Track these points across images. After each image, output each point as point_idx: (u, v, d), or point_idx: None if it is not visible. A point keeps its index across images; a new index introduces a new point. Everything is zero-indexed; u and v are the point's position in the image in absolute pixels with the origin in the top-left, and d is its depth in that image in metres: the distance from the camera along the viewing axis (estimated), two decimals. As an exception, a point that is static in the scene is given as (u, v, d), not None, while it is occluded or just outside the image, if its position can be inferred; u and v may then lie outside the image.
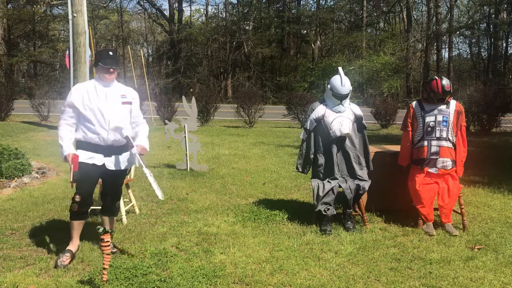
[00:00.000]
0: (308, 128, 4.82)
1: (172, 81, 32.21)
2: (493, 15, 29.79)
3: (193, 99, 8.07)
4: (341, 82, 4.63)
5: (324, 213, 4.60)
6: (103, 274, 3.25)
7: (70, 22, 11.12)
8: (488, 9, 30.27)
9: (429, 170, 4.71)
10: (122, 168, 3.92)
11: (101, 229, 3.27)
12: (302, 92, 22.40)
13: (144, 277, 3.48)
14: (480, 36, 33.47)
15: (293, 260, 3.83)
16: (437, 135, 4.70)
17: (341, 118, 4.67)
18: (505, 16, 27.82)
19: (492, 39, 31.15)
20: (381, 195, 5.06)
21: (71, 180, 3.64)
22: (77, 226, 3.81)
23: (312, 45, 33.33)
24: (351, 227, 4.64)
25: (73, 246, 3.80)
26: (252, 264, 3.75)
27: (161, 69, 35.51)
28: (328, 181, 4.69)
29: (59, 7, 30.92)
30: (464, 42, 39.86)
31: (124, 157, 3.91)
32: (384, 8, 35.31)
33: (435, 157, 4.69)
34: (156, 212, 5.22)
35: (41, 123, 14.85)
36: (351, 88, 4.72)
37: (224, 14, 36.44)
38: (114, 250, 3.87)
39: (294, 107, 15.36)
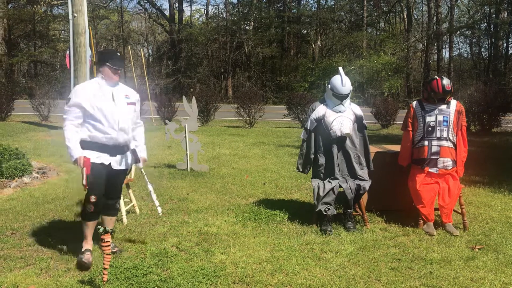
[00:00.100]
0: (308, 128, 4.82)
1: (172, 81, 32.21)
2: (494, 15, 29.78)
3: (194, 99, 8.07)
4: (342, 82, 4.63)
5: (324, 213, 4.60)
6: (104, 274, 3.25)
7: (71, 22, 11.12)
8: (488, 9, 30.27)
9: (430, 170, 4.71)
10: (125, 167, 3.95)
11: (101, 229, 3.27)
12: (302, 92, 22.41)
13: (145, 277, 3.48)
14: (480, 36, 33.46)
15: (293, 260, 3.83)
16: (438, 135, 4.70)
17: (342, 118, 4.66)
18: (505, 16, 27.80)
19: (493, 39, 31.14)
20: (382, 195, 5.06)
21: (84, 183, 3.60)
22: (92, 226, 3.82)
23: (313, 45, 33.33)
24: (351, 227, 4.64)
25: (90, 245, 3.80)
26: (253, 264, 3.75)
27: (162, 69, 35.52)
28: (329, 181, 4.69)
29: (59, 7, 30.97)
30: (464, 42, 39.91)
31: (126, 157, 3.94)
32: (384, 8, 35.30)
33: (435, 157, 4.69)
34: (156, 212, 5.21)
35: (41, 123, 14.85)
36: (351, 88, 4.71)
37: (224, 14, 36.49)
38: (114, 250, 3.88)
39: (295, 107, 15.36)
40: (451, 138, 4.73)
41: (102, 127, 3.70)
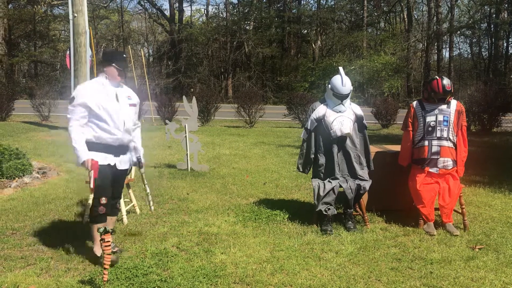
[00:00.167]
0: (308, 128, 4.82)
1: (172, 81, 32.21)
2: (494, 15, 29.78)
3: (194, 99, 8.07)
4: (342, 82, 4.62)
5: (324, 213, 4.60)
6: (104, 274, 3.25)
7: (71, 22, 11.14)
8: (488, 9, 30.27)
9: (430, 170, 4.71)
10: (128, 167, 3.96)
11: (101, 229, 3.28)
12: (302, 92, 22.39)
13: (145, 277, 3.48)
14: (480, 35, 33.45)
15: (293, 260, 3.83)
16: (438, 135, 4.70)
17: (342, 118, 4.66)
18: (505, 16, 27.80)
19: (493, 39, 31.14)
20: (382, 195, 5.06)
21: (92, 186, 3.58)
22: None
23: (313, 45, 33.32)
24: (351, 227, 4.64)
25: (100, 251, 3.77)
26: (253, 264, 3.75)
27: (162, 69, 35.50)
28: (329, 181, 4.69)
29: (59, 7, 30.97)
30: (464, 42, 39.91)
31: (128, 157, 3.95)
32: (384, 8, 35.29)
33: (436, 157, 4.69)
34: (156, 212, 5.22)
35: (41, 123, 14.86)
36: (351, 88, 4.71)
37: (224, 14, 36.48)
38: (115, 250, 3.87)
39: (295, 107, 15.35)
40: (451, 138, 4.73)
41: (107, 127, 3.68)
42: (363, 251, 4.06)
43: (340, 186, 4.68)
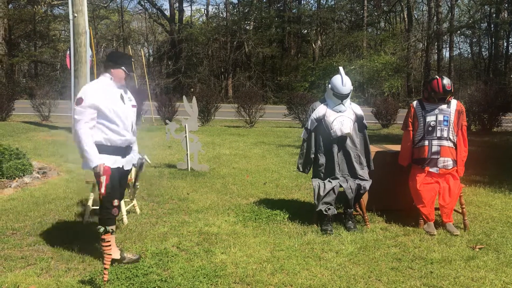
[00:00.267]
0: (309, 127, 4.82)
1: (172, 81, 32.21)
2: (494, 15, 29.78)
3: (194, 99, 8.07)
4: (342, 81, 4.62)
5: (325, 212, 4.60)
6: (104, 274, 3.26)
7: (71, 22, 11.13)
8: (489, 9, 30.27)
9: (430, 169, 4.71)
10: (131, 168, 3.96)
11: (102, 229, 3.28)
12: (303, 92, 22.38)
13: (145, 277, 3.48)
14: (481, 35, 33.46)
15: (294, 260, 3.83)
16: (438, 134, 4.70)
17: (342, 118, 4.66)
18: (506, 16, 27.80)
19: (493, 39, 31.15)
20: (382, 194, 5.06)
21: (103, 191, 3.54)
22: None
23: (313, 44, 33.31)
24: (352, 226, 4.64)
25: (117, 250, 3.76)
26: (253, 264, 3.75)
27: (162, 69, 35.49)
28: (329, 181, 4.69)
29: (59, 7, 30.94)
30: (465, 42, 39.93)
31: (131, 157, 3.95)
32: (384, 8, 35.29)
33: (436, 157, 4.69)
34: (157, 212, 5.22)
35: (42, 123, 14.86)
36: (352, 87, 4.71)
37: (224, 14, 36.47)
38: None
39: (295, 107, 15.35)
40: (451, 137, 4.72)
41: (117, 128, 3.65)
42: (363, 251, 4.06)
43: (340, 186, 4.68)
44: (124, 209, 4.73)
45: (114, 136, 3.65)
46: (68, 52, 11.91)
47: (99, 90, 3.62)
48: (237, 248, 4.08)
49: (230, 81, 32.90)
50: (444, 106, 4.72)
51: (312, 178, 4.89)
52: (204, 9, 51.41)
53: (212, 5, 71.78)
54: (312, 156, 4.82)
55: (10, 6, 31.52)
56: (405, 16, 33.07)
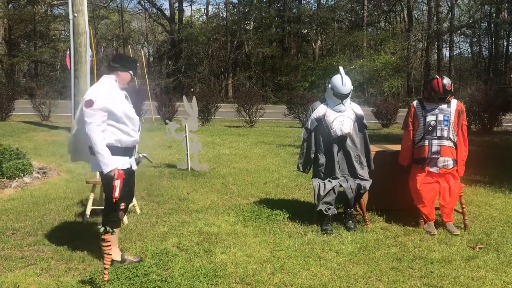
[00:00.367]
0: (309, 127, 4.82)
1: (173, 81, 32.20)
2: (494, 14, 29.76)
3: (194, 98, 8.07)
4: (342, 81, 4.62)
5: (325, 212, 4.60)
6: (104, 274, 3.25)
7: (71, 22, 11.13)
8: (489, 8, 30.25)
9: (430, 169, 4.70)
10: (136, 167, 3.97)
11: (102, 229, 3.27)
12: (303, 91, 22.38)
13: (145, 276, 3.48)
14: (481, 35, 33.45)
15: (294, 260, 3.83)
16: (438, 134, 4.70)
17: (342, 118, 4.66)
18: (506, 15, 27.79)
19: (493, 38, 31.14)
20: (382, 194, 5.06)
21: (117, 195, 3.55)
22: (118, 232, 3.82)
23: (313, 44, 33.31)
24: (352, 226, 4.64)
25: (118, 251, 3.76)
26: (253, 264, 3.75)
27: (162, 69, 35.49)
28: (329, 181, 4.68)
29: (59, 7, 30.94)
30: (465, 41, 39.90)
31: (135, 156, 3.96)
32: (385, 8, 35.27)
33: (436, 157, 4.69)
34: (157, 211, 5.22)
35: (42, 123, 14.86)
36: (352, 87, 4.71)
37: (224, 14, 36.45)
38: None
39: (295, 106, 15.35)
40: (451, 137, 4.72)
41: (127, 129, 3.66)
42: (364, 251, 4.06)
43: (341, 186, 4.68)
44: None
45: (125, 137, 3.66)
46: (68, 52, 11.91)
47: (109, 93, 3.62)
48: (237, 248, 4.08)
49: (230, 81, 32.90)
50: (444, 106, 4.72)
51: (312, 178, 4.89)
52: (204, 9, 51.47)
53: (212, 5, 71.84)
54: (312, 156, 4.82)
55: (10, 6, 31.51)
56: (405, 15, 33.06)
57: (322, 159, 4.76)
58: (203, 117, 15.27)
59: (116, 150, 3.61)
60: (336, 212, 4.69)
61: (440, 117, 4.70)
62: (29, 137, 11.51)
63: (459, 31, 32.25)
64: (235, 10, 36.03)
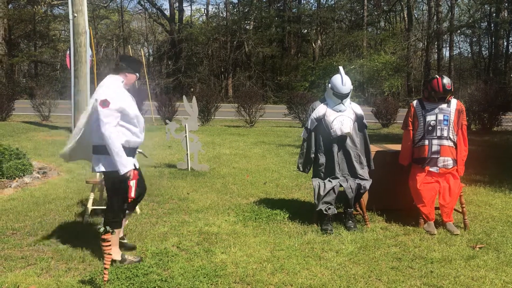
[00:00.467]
0: (309, 127, 4.82)
1: (172, 81, 32.20)
2: (494, 14, 29.76)
3: (194, 98, 8.07)
4: (342, 81, 4.62)
5: (325, 212, 4.60)
6: (104, 273, 3.25)
7: (71, 22, 11.13)
8: (489, 8, 30.26)
9: (430, 169, 4.70)
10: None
11: (102, 229, 3.27)
12: (303, 91, 22.38)
13: (145, 276, 3.48)
14: (481, 34, 33.46)
15: (294, 260, 3.83)
16: (438, 134, 4.70)
17: (342, 117, 4.66)
18: (506, 15, 27.79)
19: (493, 38, 31.13)
20: (382, 194, 5.06)
21: (133, 195, 3.57)
22: (119, 232, 3.83)
23: (313, 44, 33.30)
24: (352, 226, 4.64)
25: (118, 251, 3.76)
26: (253, 264, 3.75)
27: (162, 68, 35.48)
28: (329, 181, 4.68)
29: (59, 7, 30.95)
30: (465, 41, 39.90)
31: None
32: (384, 7, 35.25)
33: (436, 156, 4.69)
34: (157, 211, 5.22)
35: (42, 123, 14.86)
36: (351, 87, 4.71)
37: (224, 14, 36.45)
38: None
39: (295, 106, 15.35)
40: (451, 137, 4.72)
41: (136, 130, 3.68)
42: (364, 251, 4.06)
43: (340, 186, 4.68)
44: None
45: (133, 138, 3.67)
46: (68, 52, 11.91)
47: (122, 93, 3.64)
48: (237, 248, 4.08)
49: (230, 80, 32.90)
50: (444, 106, 4.72)
51: (312, 177, 4.89)
52: (204, 8, 51.47)
53: (212, 4, 71.84)
54: (312, 155, 4.82)
55: (10, 6, 31.50)
56: (405, 15, 33.06)
57: (322, 159, 4.76)
58: (203, 117, 15.27)
59: (126, 151, 3.60)
60: (336, 212, 4.69)
61: (440, 116, 4.70)
62: (29, 137, 11.52)
63: (459, 31, 32.26)
64: (235, 10, 36.03)
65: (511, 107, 13.73)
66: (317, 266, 3.71)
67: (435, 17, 29.24)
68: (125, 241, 4.10)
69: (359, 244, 4.20)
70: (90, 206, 4.82)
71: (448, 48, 31.68)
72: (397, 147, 5.32)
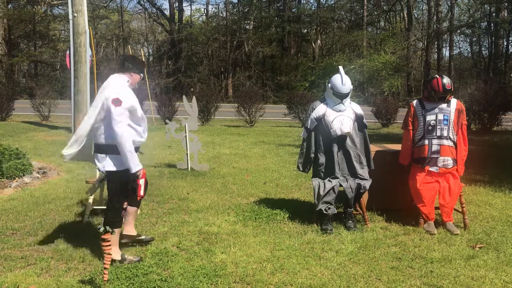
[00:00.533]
0: (308, 127, 4.82)
1: (172, 81, 32.19)
2: (494, 14, 29.76)
3: (194, 98, 8.07)
4: (342, 81, 4.62)
5: (325, 212, 4.60)
6: (104, 273, 3.25)
7: (71, 22, 11.12)
8: (488, 8, 30.25)
9: (430, 169, 4.70)
10: None
11: (102, 229, 3.27)
12: (302, 91, 22.39)
13: (145, 276, 3.48)
14: (480, 34, 33.45)
15: (294, 259, 3.83)
16: (438, 133, 4.70)
17: (342, 117, 4.66)
18: (506, 15, 27.77)
19: (493, 38, 31.13)
20: (382, 194, 5.06)
21: (142, 194, 3.60)
22: (119, 232, 3.83)
23: (313, 44, 33.30)
24: (352, 226, 4.64)
25: (118, 251, 3.76)
26: (253, 264, 3.75)
27: (162, 68, 35.47)
28: (329, 180, 4.68)
29: (59, 7, 30.95)
30: (465, 41, 39.90)
31: None
32: (384, 7, 35.24)
33: (436, 156, 4.69)
34: (157, 211, 5.22)
35: (42, 123, 14.86)
36: (351, 87, 4.71)
37: (224, 14, 36.45)
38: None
39: (295, 106, 15.35)
40: (451, 137, 4.72)
41: (140, 130, 3.69)
42: (364, 250, 4.06)
43: (340, 185, 4.68)
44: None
45: (138, 137, 3.68)
46: (68, 52, 11.90)
47: (131, 93, 3.64)
48: (237, 248, 4.08)
49: (230, 80, 32.89)
50: (444, 105, 4.72)
51: (312, 177, 4.89)
52: (204, 8, 51.46)
53: (212, 4, 71.84)
54: (312, 155, 4.82)
55: (10, 6, 31.49)
56: (405, 15, 33.05)
57: (322, 159, 4.76)
58: (203, 117, 15.27)
59: None
60: (336, 212, 4.69)
61: (440, 116, 4.70)
62: (29, 137, 11.52)
63: (459, 31, 32.25)
64: (235, 9, 36.02)
65: (511, 107, 13.73)
66: (317, 266, 3.72)
67: (435, 17, 29.24)
68: (142, 237, 4.10)
69: (359, 244, 4.20)
70: (90, 206, 4.80)
71: (448, 48, 31.69)
72: (397, 147, 5.32)
